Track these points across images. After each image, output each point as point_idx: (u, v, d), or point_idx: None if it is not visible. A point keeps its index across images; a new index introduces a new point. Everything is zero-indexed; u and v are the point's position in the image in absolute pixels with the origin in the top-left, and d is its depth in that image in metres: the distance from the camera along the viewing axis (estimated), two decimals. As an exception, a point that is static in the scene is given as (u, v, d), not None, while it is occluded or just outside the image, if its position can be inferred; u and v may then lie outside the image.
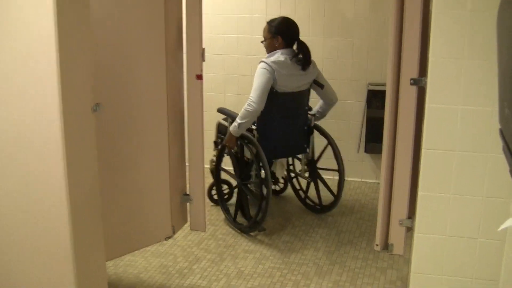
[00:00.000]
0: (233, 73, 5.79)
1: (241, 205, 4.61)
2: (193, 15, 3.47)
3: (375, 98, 5.35)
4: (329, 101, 4.70)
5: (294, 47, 4.43)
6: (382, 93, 5.11)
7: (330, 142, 4.72)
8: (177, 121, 3.67)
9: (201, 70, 3.54)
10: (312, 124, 4.71)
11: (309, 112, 4.68)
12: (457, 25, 2.51)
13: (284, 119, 4.46)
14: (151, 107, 3.46)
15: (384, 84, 5.20)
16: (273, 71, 4.19)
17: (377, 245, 3.42)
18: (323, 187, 4.86)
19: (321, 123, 4.89)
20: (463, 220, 2.69)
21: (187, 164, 3.84)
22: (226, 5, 5.65)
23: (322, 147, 4.87)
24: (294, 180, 5.18)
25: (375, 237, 3.45)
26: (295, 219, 4.76)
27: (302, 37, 5.07)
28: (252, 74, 4.33)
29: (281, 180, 5.21)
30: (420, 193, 2.71)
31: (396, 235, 3.34)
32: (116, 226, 3.43)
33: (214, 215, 4.77)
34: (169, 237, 3.76)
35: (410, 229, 3.32)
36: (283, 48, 4.36)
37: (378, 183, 5.42)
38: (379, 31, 5.30)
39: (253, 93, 4.17)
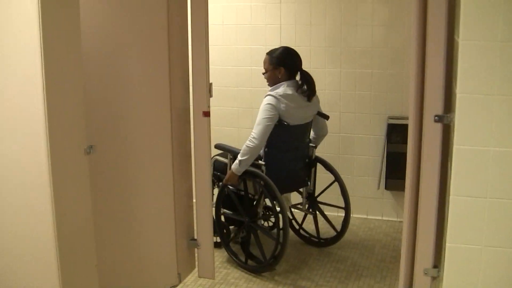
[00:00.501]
0: (247, 106, 5.57)
1: (247, 245, 4.39)
2: (199, 47, 3.25)
3: (395, 132, 5.09)
4: (323, 133, 4.62)
5: (297, 77, 4.29)
6: (403, 127, 4.93)
7: (337, 178, 4.59)
8: (183, 160, 3.44)
9: (208, 107, 3.30)
10: (313, 157, 4.58)
11: (311, 144, 4.56)
12: (487, 57, 2.25)
13: (291, 152, 4.34)
14: (154, 147, 3.25)
15: (405, 118, 5.00)
16: (279, 106, 4.05)
17: (400, 296, 3.14)
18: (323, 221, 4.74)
19: (336, 157, 4.77)
20: (497, 275, 2.40)
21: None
22: (238, 36, 5.46)
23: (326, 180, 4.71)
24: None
25: (397, 282, 3.18)
26: (312, 261, 4.47)
27: (318, 68, 4.95)
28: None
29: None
30: (448, 244, 2.43)
31: (421, 286, 3.05)
32: (118, 274, 3.20)
33: (226, 257, 4.49)
34: (174, 286, 3.50)
35: (435, 278, 3.04)
36: (285, 79, 4.21)
37: (400, 222, 5.20)
38: (399, 60, 5.06)
39: (256, 129, 4.03)
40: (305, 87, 4.22)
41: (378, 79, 5.15)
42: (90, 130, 2.80)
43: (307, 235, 4.86)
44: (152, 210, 3.32)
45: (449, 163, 2.84)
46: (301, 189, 4.68)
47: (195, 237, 3.59)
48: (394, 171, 5.15)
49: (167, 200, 3.33)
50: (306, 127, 4.36)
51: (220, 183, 4.38)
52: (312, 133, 4.57)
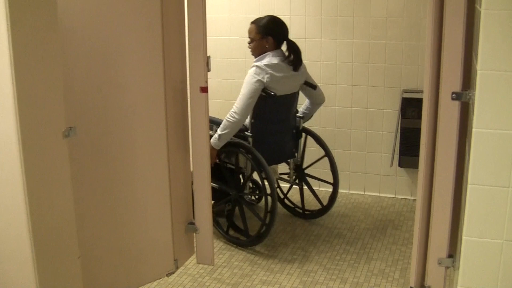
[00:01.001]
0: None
1: (231, 219, 4.33)
2: (195, 16, 2.98)
3: (410, 107, 4.84)
4: (319, 102, 4.53)
5: (283, 48, 4.19)
6: (419, 101, 4.71)
7: (327, 153, 4.51)
8: (179, 139, 3.21)
9: (206, 82, 3.05)
10: (301, 127, 4.49)
11: (297, 114, 4.47)
12: (512, 29, 1.97)
13: (278, 124, 4.24)
14: (146, 124, 3.02)
15: (420, 92, 4.74)
16: (264, 76, 3.93)
17: (411, 287, 2.92)
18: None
19: (347, 132, 5.02)
20: (520, 273, 2.16)
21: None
22: (245, 6, 5.19)
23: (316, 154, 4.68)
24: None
25: (409, 267, 2.97)
26: (320, 243, 4.26)
27: (329, 39, 4.94)
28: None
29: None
30: (465, 238, 2.18)
31: (434, 276, 2.83)
32: (110, 261, 3.00)
33: (229, 239, 4.28)
34: (171, 273, 3.29)
35: (449, 267, 2.82)
36: (272, 49, 4.11)
37: (414, 200, 4.98)
38: (415, 31, 4.78)
39: (238, 103, 3.92)
40: (291, 57, 4.11)
41: (392, 50, 4.89)
42: (74, 109, 2.59)
43: (291, 205, 4.80)
44: (146, 193, 3.11)
45: (467, 145, 2.59)
46: (288, 161, 4.61)
47: (193, 221, 3.36)
48: (409, 148, 4.94)
49: (161, 182, 3.11)
50: (293, 98, 4.25)
51: None
52: (307, 102, 4.52)
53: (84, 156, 2.80)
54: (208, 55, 3.05)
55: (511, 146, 2.03)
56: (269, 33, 4.09)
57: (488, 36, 1.96)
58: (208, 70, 3.07)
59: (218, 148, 3.99)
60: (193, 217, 3.39)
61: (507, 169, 2.06)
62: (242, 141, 4.07)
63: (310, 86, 4.35)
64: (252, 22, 4.16)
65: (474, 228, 2.16)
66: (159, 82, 2.96)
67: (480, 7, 2.09)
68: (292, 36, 4.98)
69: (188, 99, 3.17)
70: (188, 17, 3.02)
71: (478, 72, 1.99)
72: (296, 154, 4.51)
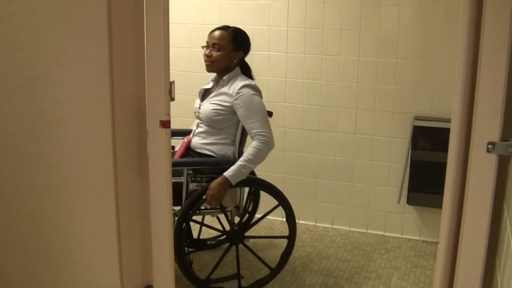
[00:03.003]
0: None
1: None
2: (155, 28, 2.32)
3: (422, 137, 4.23)
4: None
5: None
6: (432, 131, 4.14)
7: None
8: (133, 184, 2.56)
9: (168, 115, 2.38)
10: None
11: None
12: None
13: None
14: (88, 163, 2.42)
15: (435, 119, 4.14)
16: (261, 97, 3.48)
17: None
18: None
19: (349, 162, 4.56)
20: None
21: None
22: (239, 15, 4.60)
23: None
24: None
25: None
26: (313, 298, 3.62)
27: (332, 55, 4.46)
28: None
29: None
30: None
31: None
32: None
33: None
34: None
35: None
36: (235, 66, 3.53)
37: (423, 241, 4.43)
38: (431, 49, 4.18)
39: (265, 127, 3.32)
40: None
41: (404, 70, 4.29)
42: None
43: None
44: (86, 248, 2.50)
45: (505, 204, 1.95)
46: None
47: (151, 283, 2.71)
48: (419, 183, 4.33)
49: (108, 234, 2.47)
50: None
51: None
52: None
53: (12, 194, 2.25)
54: (171, 80, 2.38)
55: None
56: (242, 47, 3.51)
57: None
58: (172, 99, 2.40)
59: (234, 183, 3.28)
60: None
61: None
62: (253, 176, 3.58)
63: None
64: (221, 28, 3.52)
65: None
66: (105, 115, 2.32)
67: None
68: (288, 50, 4.44)
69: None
70: (147, 29, 2.35)
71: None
72: None
